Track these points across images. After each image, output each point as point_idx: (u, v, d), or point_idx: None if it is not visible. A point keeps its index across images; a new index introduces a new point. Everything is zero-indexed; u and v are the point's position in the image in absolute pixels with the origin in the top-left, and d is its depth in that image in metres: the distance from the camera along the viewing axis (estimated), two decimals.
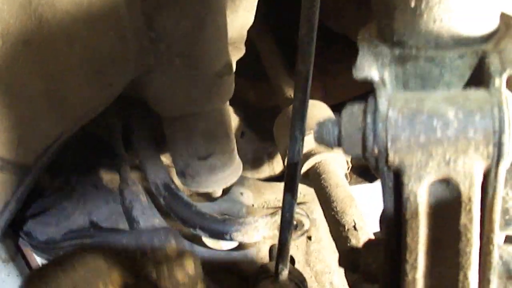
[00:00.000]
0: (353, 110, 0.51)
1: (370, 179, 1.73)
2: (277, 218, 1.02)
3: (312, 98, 0.75)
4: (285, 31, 1.76)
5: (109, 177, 1.53)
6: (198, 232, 1.08)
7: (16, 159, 0.98)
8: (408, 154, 0.48)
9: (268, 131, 1.76)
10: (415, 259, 0.53)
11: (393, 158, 0.49)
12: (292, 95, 1.44)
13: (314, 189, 1.14)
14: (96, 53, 0.88)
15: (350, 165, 1.23)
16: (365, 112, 0.50)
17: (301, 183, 1.17)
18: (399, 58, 0.53)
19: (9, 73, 0.90)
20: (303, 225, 1.02)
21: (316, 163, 1.17)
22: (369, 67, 0.51)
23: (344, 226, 0.98)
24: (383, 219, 0.65)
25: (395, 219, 0.54)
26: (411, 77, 0.54)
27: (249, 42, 1.28)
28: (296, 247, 1.44)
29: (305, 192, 1.45)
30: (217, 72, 0.97)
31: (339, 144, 0.52)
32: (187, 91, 0.96)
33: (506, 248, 0.55)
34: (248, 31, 1.16)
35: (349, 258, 0.69)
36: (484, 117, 0.47)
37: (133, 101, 1.28)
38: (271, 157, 1.81)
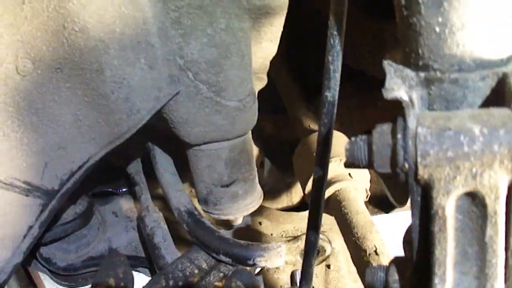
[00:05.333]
0: (383, 129, 0.54)
1: (387, 209, 1.74)
2: (300, 243, 1.04)
3: None
4: (301, 62, 1.80)
5: (128, 206, 1.57)
6: (222, 257, 1.10)
7: (42, 184, 1.00)
8: (437, 169, 0.51)
9: (286, 161, 1.78)
10: (444, 272, 0.54)
11: (423, 172, 0.51)
12: (311, 126, 1.47)
13: (334, 216, 1.16)
14: (126, 80, 0.90)
15: (369, 193, 1.25)
16: (395, 130, 0.53)
17: None
18: (424, 81, 0.56)
19: (41, 99, 0.92)
20: (325, 250, 1.03)
21: (336, 191, 1.19)
22: (398, 88, 0.54)
23: (365, 251, 0.99)
24: (410, 234, 0.67)
25: (422, 234, 0.56)
26: (436, 99, 0.57)
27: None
28: (315, 275, 1.44)
29: (322, 221, 1.46)
30: (241, 100, 0.99)
31: (369, 161, 0.55)
32: (212, 118, 0.98)
33: None
34: None
35: (375, 275, 0.70)
36: (508, 132, 0.49)
37: (154, 132, 1.32)
38: (289, 187, 1.83)
